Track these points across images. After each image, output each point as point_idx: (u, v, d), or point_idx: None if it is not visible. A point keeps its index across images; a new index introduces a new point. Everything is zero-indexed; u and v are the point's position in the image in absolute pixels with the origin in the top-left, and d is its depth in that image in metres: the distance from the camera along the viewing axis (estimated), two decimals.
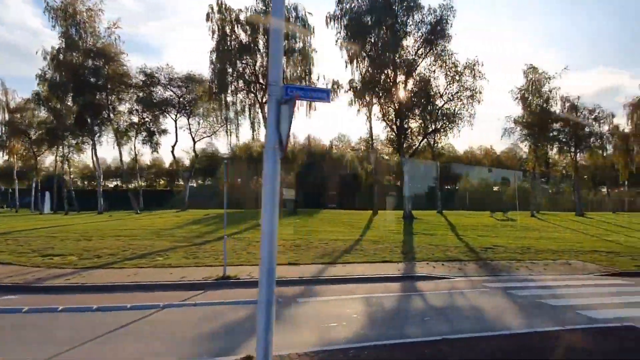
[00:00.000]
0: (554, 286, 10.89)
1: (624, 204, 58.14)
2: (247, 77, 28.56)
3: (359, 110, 32.87)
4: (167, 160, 74.30)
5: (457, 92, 28.04)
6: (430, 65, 28.27)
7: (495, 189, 67.44)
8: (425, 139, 35.06)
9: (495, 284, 10.90)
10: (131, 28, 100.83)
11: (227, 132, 31.17)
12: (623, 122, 46.28)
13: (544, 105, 38.61)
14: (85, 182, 74.79)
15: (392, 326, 7.26)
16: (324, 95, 4.68)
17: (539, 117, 37.43)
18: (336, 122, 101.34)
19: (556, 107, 39.98)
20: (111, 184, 71.55)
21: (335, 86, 32.77)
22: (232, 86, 28.60)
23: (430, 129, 29.70)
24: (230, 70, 27.20)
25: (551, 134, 39.50)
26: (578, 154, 40.85)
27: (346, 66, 31.93)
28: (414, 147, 30.34)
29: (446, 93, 28.26)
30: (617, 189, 65.34)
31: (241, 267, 12.46)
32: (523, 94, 40.50)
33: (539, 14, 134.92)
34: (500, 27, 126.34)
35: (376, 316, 7.96)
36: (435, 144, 34.67)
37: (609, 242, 21.30)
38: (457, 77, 27.63)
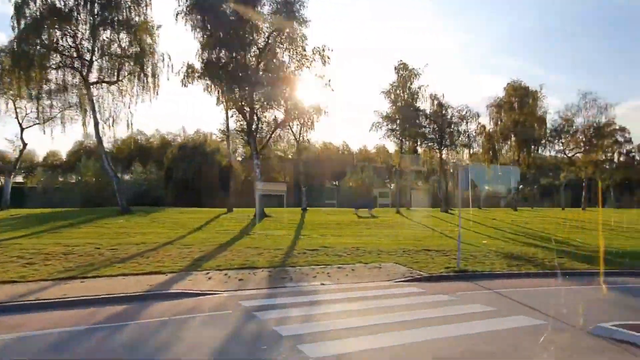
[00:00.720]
0: (323, 301, 8.74)
1: (496, 201, 61.99)
2: (66, 52, 23.85)
3: (218, 99, 29.70)
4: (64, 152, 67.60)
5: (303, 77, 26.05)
6: (277, 47, 25.83)
7: (391, 187, 68.28)
8: (292, 133, 33.06)
9: (255, 302, 8.46)
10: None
11: (41, 118, 25.83)
12: (487, 122, 48.65)
13: (410, 101, 38.59)
14: None
15: None
16: None
17: (404, 113, 37.21)
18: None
19: (425, 105, 40.31)
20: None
21: (190, 70, 29.21)
22: (48, 61, 23.57)
23: (280, 119, 27.41)
24: (37, 40, 22.25)
25: (420, 130, 39.57)
26: (444, 152, 41.52)
27: (203, 50, 28.71)
28: (265, 139, 27.84)
29: (297, 79, 26.16)
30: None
31: None
32: (395, 89, 40.24)
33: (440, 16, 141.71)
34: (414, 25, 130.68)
35: None
36: (301, 138, 32.66)
37: (449, 238, 20.53)
38: (303, 62, 25.58)
